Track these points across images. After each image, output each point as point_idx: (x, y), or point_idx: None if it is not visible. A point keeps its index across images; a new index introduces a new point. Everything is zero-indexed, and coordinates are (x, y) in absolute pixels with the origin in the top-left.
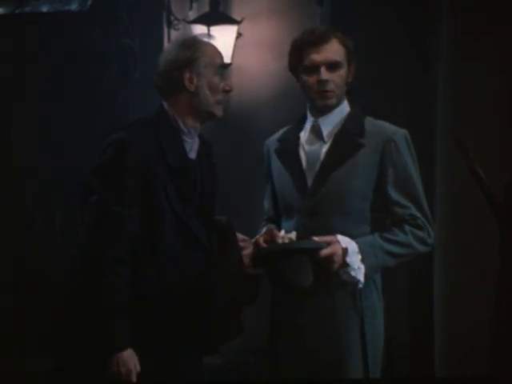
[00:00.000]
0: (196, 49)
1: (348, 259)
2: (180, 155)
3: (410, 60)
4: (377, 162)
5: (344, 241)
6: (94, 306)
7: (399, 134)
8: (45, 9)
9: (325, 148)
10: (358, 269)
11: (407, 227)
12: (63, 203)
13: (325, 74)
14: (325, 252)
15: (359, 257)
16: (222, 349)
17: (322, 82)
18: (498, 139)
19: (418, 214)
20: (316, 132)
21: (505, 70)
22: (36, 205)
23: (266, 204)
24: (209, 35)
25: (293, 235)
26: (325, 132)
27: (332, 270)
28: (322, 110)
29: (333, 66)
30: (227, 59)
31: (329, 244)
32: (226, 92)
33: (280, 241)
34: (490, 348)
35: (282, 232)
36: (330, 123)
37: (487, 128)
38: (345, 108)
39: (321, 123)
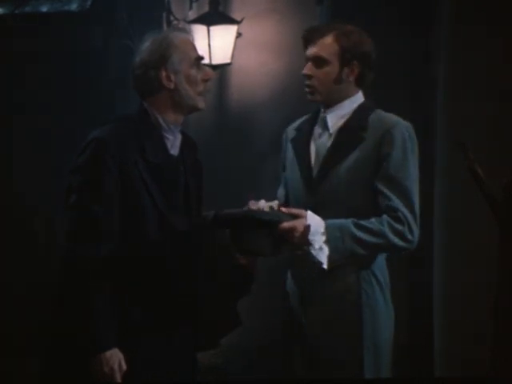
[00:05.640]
0: (167, 45)
1: (310, 237)
2: (161, 152)
3: (410, 60)
4: (375, 155)
5: (312, 218)
6: (76, 306)
7: (399, 126)
8: (45, 9)
9: (330, 142)
10: (319, 249)
11: (385, 218)
12: (63, 203)
13: (308, 68)
14: (284, 225)
15: (323, 237)
16: (222, 349)
17: (305, 76)
18: (498, 139)
19: (401, 207)
20: (323, 125)
21: (505, 69)
22: (36, 204)
23: (280, 192)
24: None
25: (274, 204)
26: (331, 125)
27: (293, 244)
28: (325, 105)
29: (319, 61)
30: (227, 59)
31: (295, 217)
32: (206, 81)
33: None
34: (490, 348)
35: (263, 201)
36: (336, 116)
37: (487, 128)
38: (354, 101)
39: (327, 116)
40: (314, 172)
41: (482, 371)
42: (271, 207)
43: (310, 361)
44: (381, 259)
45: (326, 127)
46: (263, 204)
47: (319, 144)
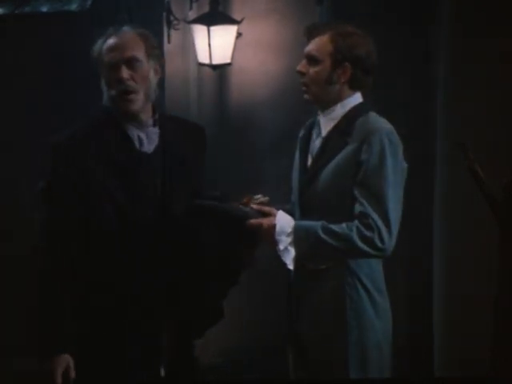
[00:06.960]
0: (92, 51)
1: (277, 237)
2: (124, 149)
3: (409, 60)
4: (354, 161)
5: (281, 218)
6: (36, 309)
7: (378, 132)
8: (45, 9)
9: (320, 145)
10: (284, 249)
11: (356, 223)
12: None
13: (302, 66)
14: (251, 222)
15: (289, 239)
16: (222, 348)
17: (298, 74)
18: (498, 139)
19: (372, 214)
20: (318, 127)
21: (505, 69)
22: (36, 204)
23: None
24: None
25: (265, 199)
26: (323, 128)
27: (261, 240)
28: (320, 106)
29: (312, 60)
30: (227, 59)
31: (264, 215)
32: (119, 82)
33: (252, 204)
34: (490, 348)
35: (259, 195)
36: (329, 119)
37: (487, 128)
38: (348, 104)
39: (321, 119)
40: (307, 174)
41: (481, 371)
42: (262, 202)
43: (300, 360)
44: (372, 264)
45: (320, 130)
46: (257, 197)
47: (313, 147)
